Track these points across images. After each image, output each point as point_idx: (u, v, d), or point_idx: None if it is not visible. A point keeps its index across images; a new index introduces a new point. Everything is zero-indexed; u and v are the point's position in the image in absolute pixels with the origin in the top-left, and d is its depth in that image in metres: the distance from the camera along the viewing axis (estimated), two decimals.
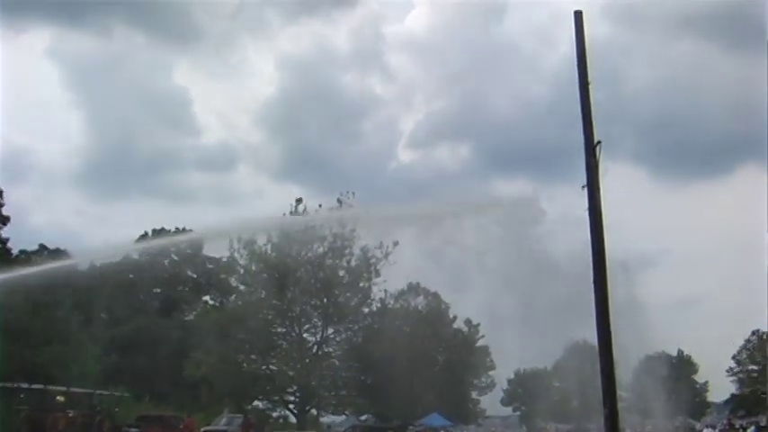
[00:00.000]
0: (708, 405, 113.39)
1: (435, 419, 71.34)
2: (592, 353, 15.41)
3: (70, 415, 46.68)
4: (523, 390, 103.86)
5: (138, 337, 70.57)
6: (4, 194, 64.48)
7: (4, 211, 64.70)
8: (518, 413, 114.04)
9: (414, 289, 77.38)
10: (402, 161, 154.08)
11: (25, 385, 47.08)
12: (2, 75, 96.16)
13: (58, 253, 66.36)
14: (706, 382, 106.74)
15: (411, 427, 66.73)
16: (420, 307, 78.90)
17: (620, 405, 14.96)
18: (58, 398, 49.33)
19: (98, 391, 53.79)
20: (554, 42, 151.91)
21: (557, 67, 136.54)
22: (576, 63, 15.61)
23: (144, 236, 75.13)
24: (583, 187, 14.93)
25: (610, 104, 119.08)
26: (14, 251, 71.90)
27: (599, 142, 14.95)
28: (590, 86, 15.36)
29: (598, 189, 14.79)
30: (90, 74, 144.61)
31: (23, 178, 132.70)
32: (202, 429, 53.62)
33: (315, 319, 71.07)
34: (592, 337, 14.91)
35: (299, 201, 68.02)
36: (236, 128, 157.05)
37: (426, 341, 71.40)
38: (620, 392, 16.53)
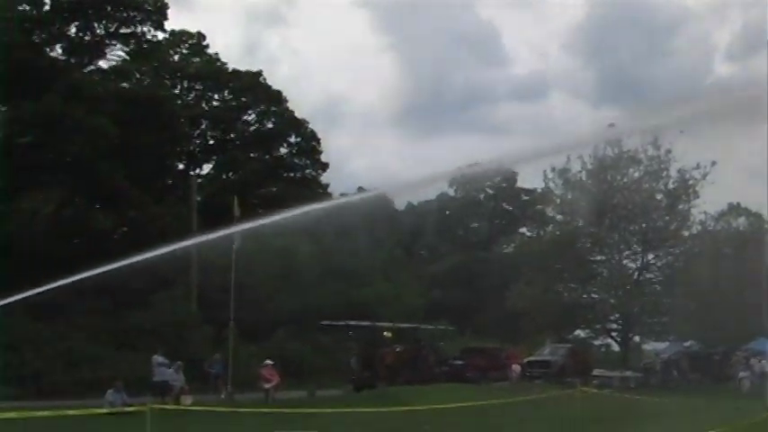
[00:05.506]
0: None
1: (763, 344, 66.85)
2: None
3: (398, 350, 47.94)
4: None
5: (458, 272, 72.07)
6: (322, 142, 68.18)
7: (323, 158, 68.46)
8: None
9: (734, 209, 72.83)
10: (718, 76, 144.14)
11: (353, 323, 49.28)
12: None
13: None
14: None
15: (738, 353, 63.15)
16: (742, 228, 74.22)
17: None
18: (385, 333, 50.98)
19: (422, 326, 55.30)
20: None
21: None
22: None
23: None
24: None
25: None
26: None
27: None
28: None
29: None
30: (399, 16, 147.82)
31: (340, 124, 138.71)
32: (525, 360, 54.02)
33: (634, 246, 69.06)
34: None
35: (610, 125, 65.57)
36: (546, 56, 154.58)
37: (750, 262, 67.06)
38: None
